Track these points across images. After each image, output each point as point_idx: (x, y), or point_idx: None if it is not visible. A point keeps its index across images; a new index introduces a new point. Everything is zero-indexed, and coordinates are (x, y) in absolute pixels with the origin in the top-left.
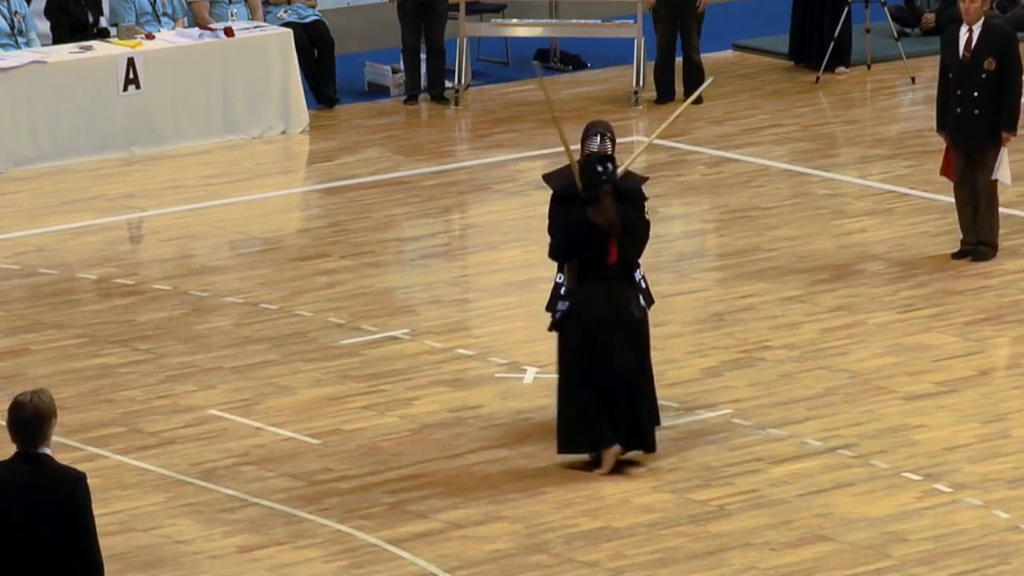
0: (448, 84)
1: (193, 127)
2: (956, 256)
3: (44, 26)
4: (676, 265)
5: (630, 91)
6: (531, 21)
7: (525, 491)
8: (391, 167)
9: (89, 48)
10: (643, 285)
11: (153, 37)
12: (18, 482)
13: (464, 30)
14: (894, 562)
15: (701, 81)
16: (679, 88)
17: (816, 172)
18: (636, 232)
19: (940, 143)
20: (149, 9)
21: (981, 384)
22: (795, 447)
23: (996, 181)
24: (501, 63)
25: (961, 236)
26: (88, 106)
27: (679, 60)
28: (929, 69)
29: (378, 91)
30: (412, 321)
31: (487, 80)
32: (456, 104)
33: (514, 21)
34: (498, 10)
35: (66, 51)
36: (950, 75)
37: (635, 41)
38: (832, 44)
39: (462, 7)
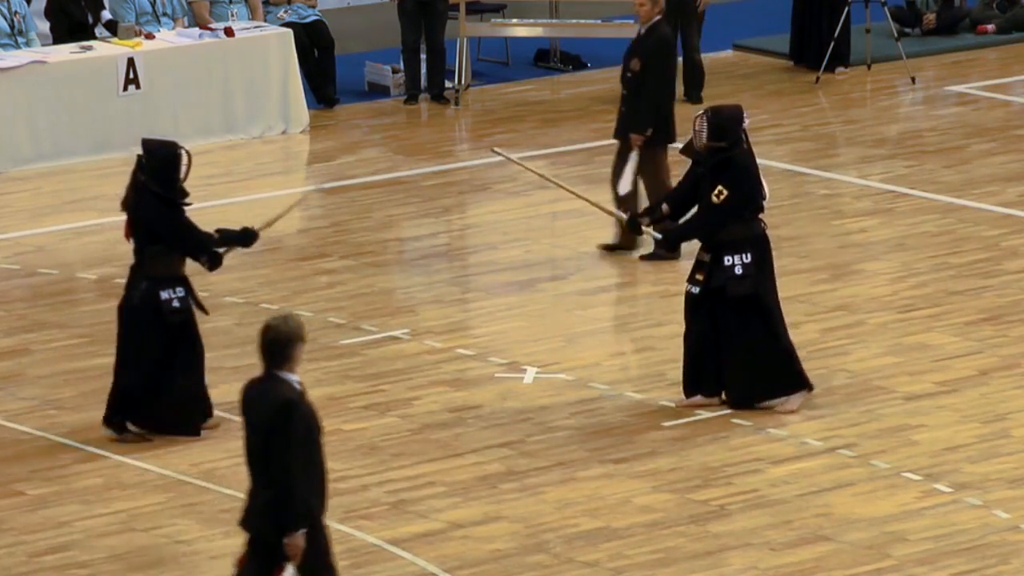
0: (448, 84)
1: (193, 127)
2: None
3: (44, 26)
4: (677, 265)
5: None
6: (531, 21)
7: (525, 491)
8: (391, 167)
9: (89, 48)
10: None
11: (153, 37)
12: (253, 396)
13: (464, 30)
14: (894, 562)
15: (701, 81)
16: (679, 88)
17: (816, 172)
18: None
19: (937, 143)
20: (149, 9)
21: (981, 384)
22: (795, 447)
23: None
24: (501, 63)
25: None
26: (88, 106)
27: (679, 60)
28: (929, 69)
29: (378, 91)
30: (412, 321)
31: (487, 80)
32: (456, 104)
33: (514, 21)
34: (498, 10)
35: (66, 51)
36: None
37: None
38: (832, 44)
39: (462, 7)
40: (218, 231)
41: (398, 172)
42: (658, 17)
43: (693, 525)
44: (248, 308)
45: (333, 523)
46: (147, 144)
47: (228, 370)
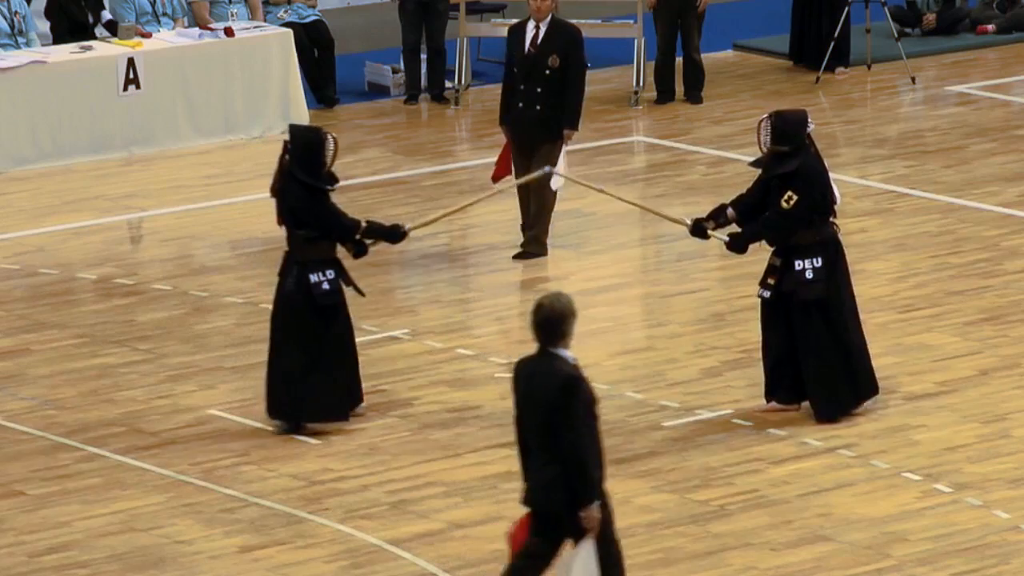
0: (448, 84)
1: (193, 127)
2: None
3: (44, 26)
4: (677, 265)
5: (630, 91)
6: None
7: None
8: (391, 167)
9: (89, 48)
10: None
11: (150, 35)
12: (529, 374)
13: (464, 30)
14: (894, 562)
15: (701, 81)
16: (679, 88)
17: None
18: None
19: (937, 143)
20: (149, 9)
21: (981, 384)
22: (795, 447)
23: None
24: (501, 63)
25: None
26: (88, 106)
27: (679, 60)
28: (930, 69)
29: (378, 91)
30: (412, 321)
31: (487, 80)
32: (456, 104)
33: (514, 21)
34: (498, 10)
35: (66, 51)
36: (515, 70)
37: (635, 41)
38: (832, 44)
39: (462, 7)
40: (368, 222)
41: (398, 172)
42: (552, 12)
43: (693, 525)
44: (248, 308)
45: (333, 523)
46: (293, 129)
47: (228, 370)
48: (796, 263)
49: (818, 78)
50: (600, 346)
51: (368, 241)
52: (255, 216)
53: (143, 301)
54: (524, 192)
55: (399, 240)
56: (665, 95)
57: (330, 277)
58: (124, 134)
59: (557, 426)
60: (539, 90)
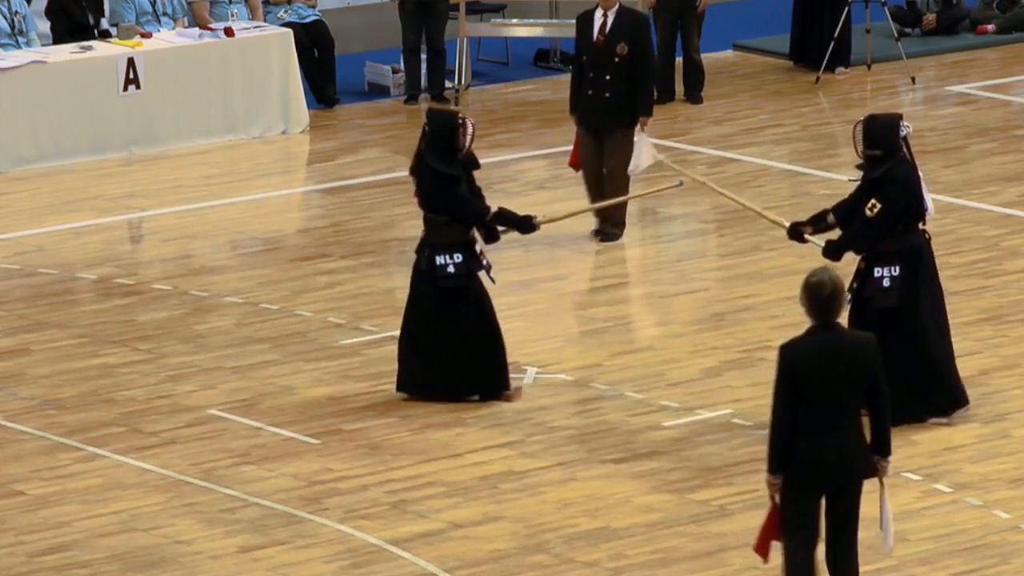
0: (448, 84)
1: (193, 127)
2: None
3: (44, 26)
4: (677, 265)
5: None
6: (531, 21)
7: (525, 491)
8: (391, 167)
9: (89, 48)
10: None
11: (150, 35)
12: (830, 350)
13: (464, 30)
14: (894, 562)
15: (701, 81)
16: (679, 88)
17: (816, 172)
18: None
19: (937, 143)
20: (149, 9)
21: (981, 384)
22: None
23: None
24: (501, 63)
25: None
26: (88, 106)
27: (679, 60)
28: (930, 69)
29: (378, 91)
30: None
31: (487, 80)
32: (456, 104)
33: (514, 21)
34: (498, 10)
35: (66, 51)
36: (584, 59)
37: None
38: (832, 44)
39: (462, 7)
40: (500, 208)
41: (398, 172)
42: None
43: (693, 525)
44: (248, 308)
45: (333, 523)
46: (430, 113)
47: (228, 370)
48: (875, 270)
49: (818, 78)
50: (600, 346)
51: (500, 229)
52: (255, 216)
53: (143, 301)
54: (593, 181)
55: (530, 231)
56: (665, 95)
57: (457, 261)
58: (124, 134)
59: (876, 386)
60: (608, 78)
